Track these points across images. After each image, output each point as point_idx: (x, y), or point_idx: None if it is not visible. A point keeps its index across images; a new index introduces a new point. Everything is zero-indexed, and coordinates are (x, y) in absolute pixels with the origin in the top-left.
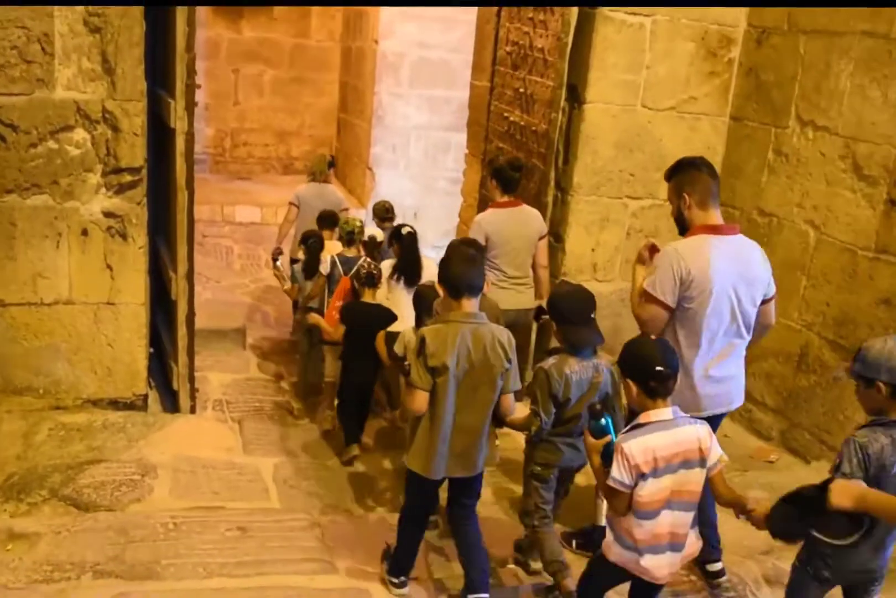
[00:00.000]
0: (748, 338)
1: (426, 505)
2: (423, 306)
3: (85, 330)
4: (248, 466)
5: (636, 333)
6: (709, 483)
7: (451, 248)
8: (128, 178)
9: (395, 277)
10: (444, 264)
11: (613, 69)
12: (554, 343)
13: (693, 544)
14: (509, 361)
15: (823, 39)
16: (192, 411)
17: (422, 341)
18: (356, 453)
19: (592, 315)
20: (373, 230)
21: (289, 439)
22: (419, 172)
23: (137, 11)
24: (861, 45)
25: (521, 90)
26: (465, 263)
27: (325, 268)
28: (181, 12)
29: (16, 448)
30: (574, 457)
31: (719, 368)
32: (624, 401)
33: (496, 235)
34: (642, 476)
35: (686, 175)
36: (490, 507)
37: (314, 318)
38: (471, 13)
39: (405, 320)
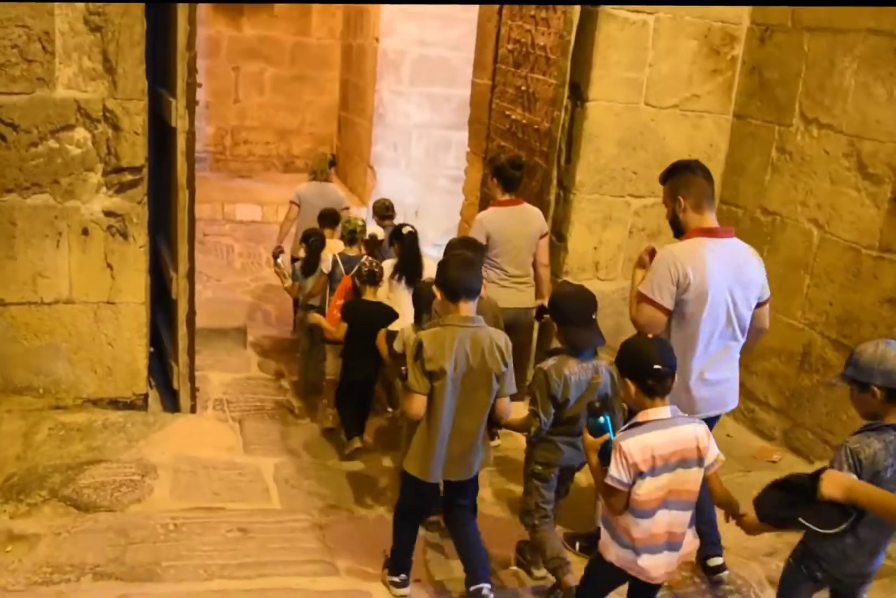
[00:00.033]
0: (742, 341)
1: (421, 507)
2: (422, 304)
3: (85, 329)
4: (248, 466)
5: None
6: (705, 483)
7: (450, 248)
8: (128, 177)
9: (396, 276)
10: (441, 268)
11: (616, 67)
12: (555, 343)
13: (690, 543)
14: (506, 365)
15: (827, 37)
16: (193, 410)
17: (419, 346)
18: (358, 445)
19: (594, 316)
20: (374, 229)
21: (290, 438)
22: (420, 170)
23: (138, 9)
24: (866, 43)
25: (523, 88)
26: (462, 267)
27: (326, 266)
28: (182, 10)
29: (15, 448)
30: (574, 456)
31: (714, 371)
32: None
33: (497, 234)
34: (640, 475)
35: (681, 178)
36: (490, 507)
37: (315, 317)
38: (471, 11)
39: (406, 319)
